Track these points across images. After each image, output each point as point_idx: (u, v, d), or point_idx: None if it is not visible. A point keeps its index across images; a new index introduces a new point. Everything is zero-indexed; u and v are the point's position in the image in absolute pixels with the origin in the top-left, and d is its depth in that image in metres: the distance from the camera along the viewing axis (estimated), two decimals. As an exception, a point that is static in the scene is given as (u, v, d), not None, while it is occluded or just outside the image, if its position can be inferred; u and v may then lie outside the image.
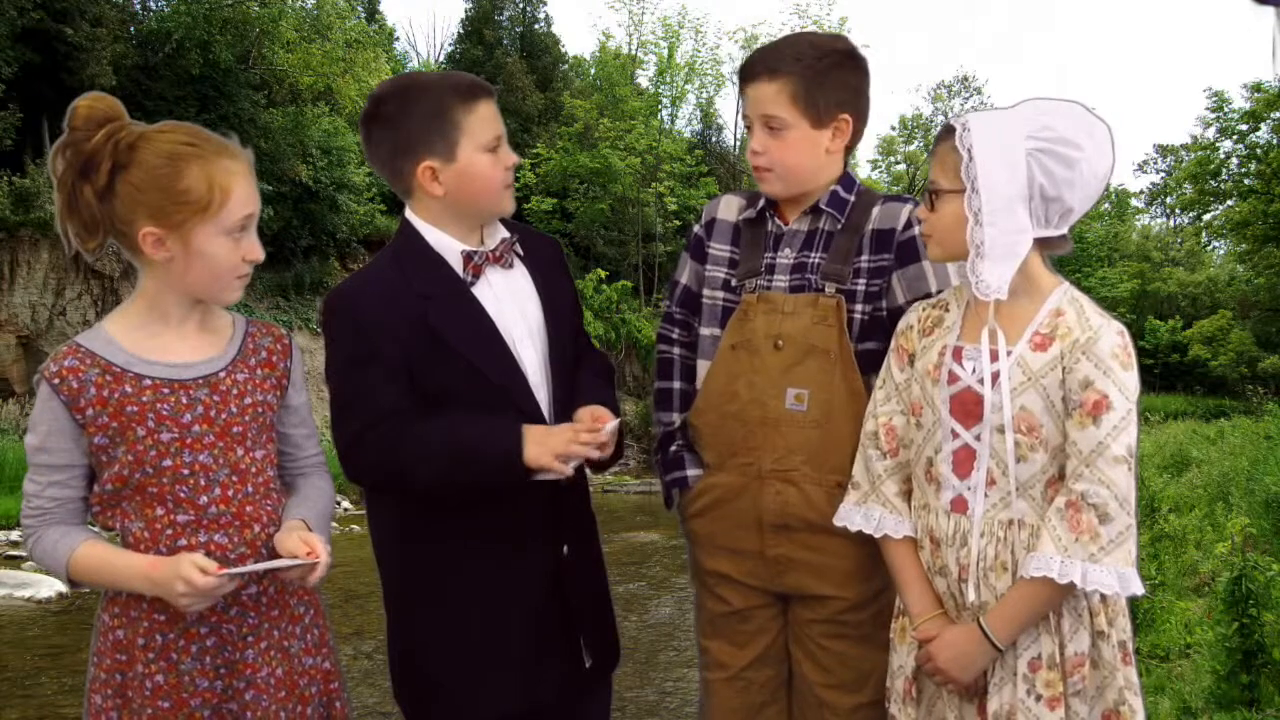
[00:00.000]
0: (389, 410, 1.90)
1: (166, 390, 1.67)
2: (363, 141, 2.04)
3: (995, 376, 1.77)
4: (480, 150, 1.95)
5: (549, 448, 1.87)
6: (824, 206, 2.09)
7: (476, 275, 1.99)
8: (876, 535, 1.91)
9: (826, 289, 2.05)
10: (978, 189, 1.73)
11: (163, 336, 1.71)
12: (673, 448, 2.20)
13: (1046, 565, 1.68)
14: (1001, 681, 1.77)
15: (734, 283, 2.13)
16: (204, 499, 1.67)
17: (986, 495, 1.79)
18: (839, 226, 2.09)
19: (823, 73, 2.02)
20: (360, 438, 1.90)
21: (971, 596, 1.79)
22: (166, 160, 1.63)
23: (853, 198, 2.11)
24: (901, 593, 1.90)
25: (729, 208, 2.22)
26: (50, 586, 8.15)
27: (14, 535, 10.27)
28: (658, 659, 6.59)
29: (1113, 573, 1.68)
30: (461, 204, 1.98)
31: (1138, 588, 1.71)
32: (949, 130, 1.80)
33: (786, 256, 2.10)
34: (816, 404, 2.03)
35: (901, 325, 1.96)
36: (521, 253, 2.07)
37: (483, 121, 1.95)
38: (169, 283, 1.70)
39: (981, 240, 1.74)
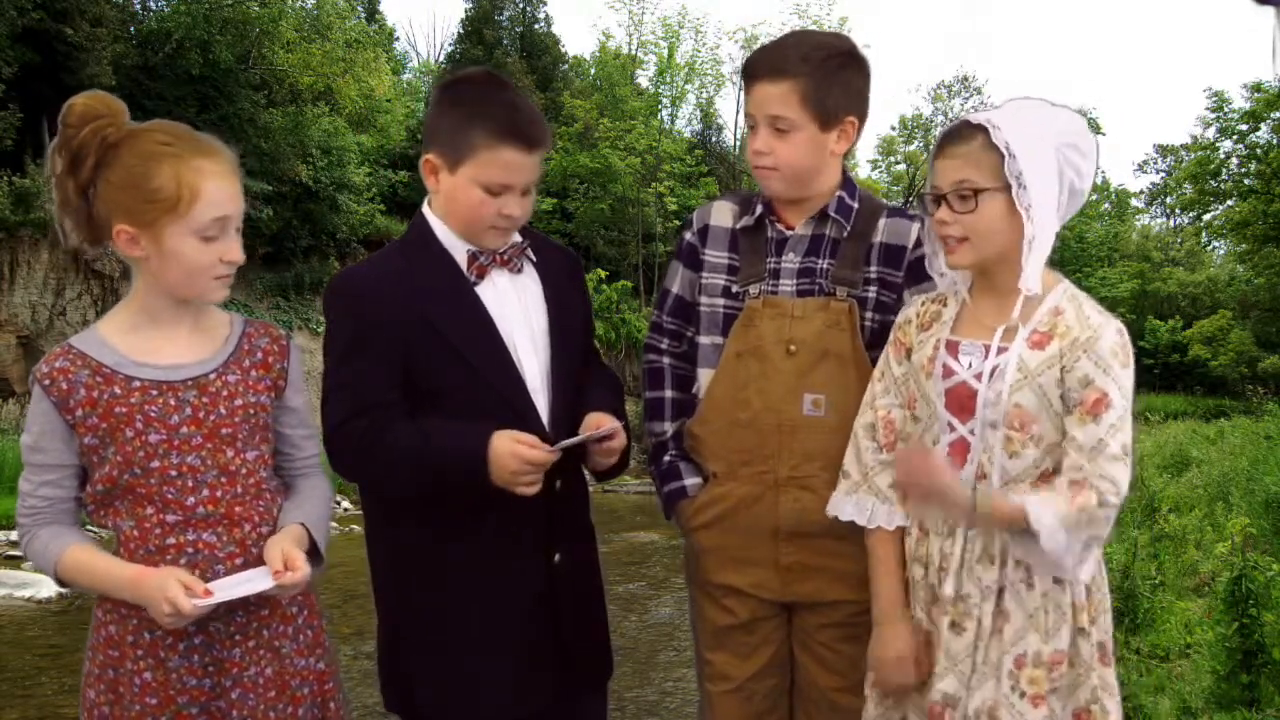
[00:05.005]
0: (374, 402, 1.90)
1: (155, 392, 1.67)
2: None
3: (991, 372, 1.79)
4: (476, 183, 1.91)
5: (504, 466, 1.84)
6: (832, 214, 2.07)
7: (481, 276, 1.98)
8: (869, 526, 1.92)
9: (838, 293, 2.04)
10: (1025, 184, 1.74)
11: (154, 338, 1.71)
12: (666, 458, 2.18)
13: (1041, 520, 1.69)
14: (982, 678, 1.78)
15: (735, 289, 2.10)
16: (191, 500, 1.67)
17: (975, 488, 1.80)
18: (845, 234, 2.07)
19: (831, 74, 2.00)
20: (342, 425, 1.90)
21: (949, 590, 1.81)
22: (141, 159, 1.64)
23: (857, 204, 2.10)
24: (875, 581, 1.93)
25: (722, 213, 2.18)
26: (50, 587, 8.12)
27: (14, 535, 10.24)
28: (658, 659, 6.58)
29: (1091, 563, 1.76)
30: (447, 213, 1.98)
31: (1086, 576, 1.78)
32: (974, 128, 1.78)
33: (792, 261, 2.08)
34: (834, 408, 2.02)
35: (900, 318, 1.96)
36: (534, 258, 2.06)
37: (497, 165, 1.90)
38: (154, 283, 1.70)
39: (1033, 236, 1.76)
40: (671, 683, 6.06)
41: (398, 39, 35.31)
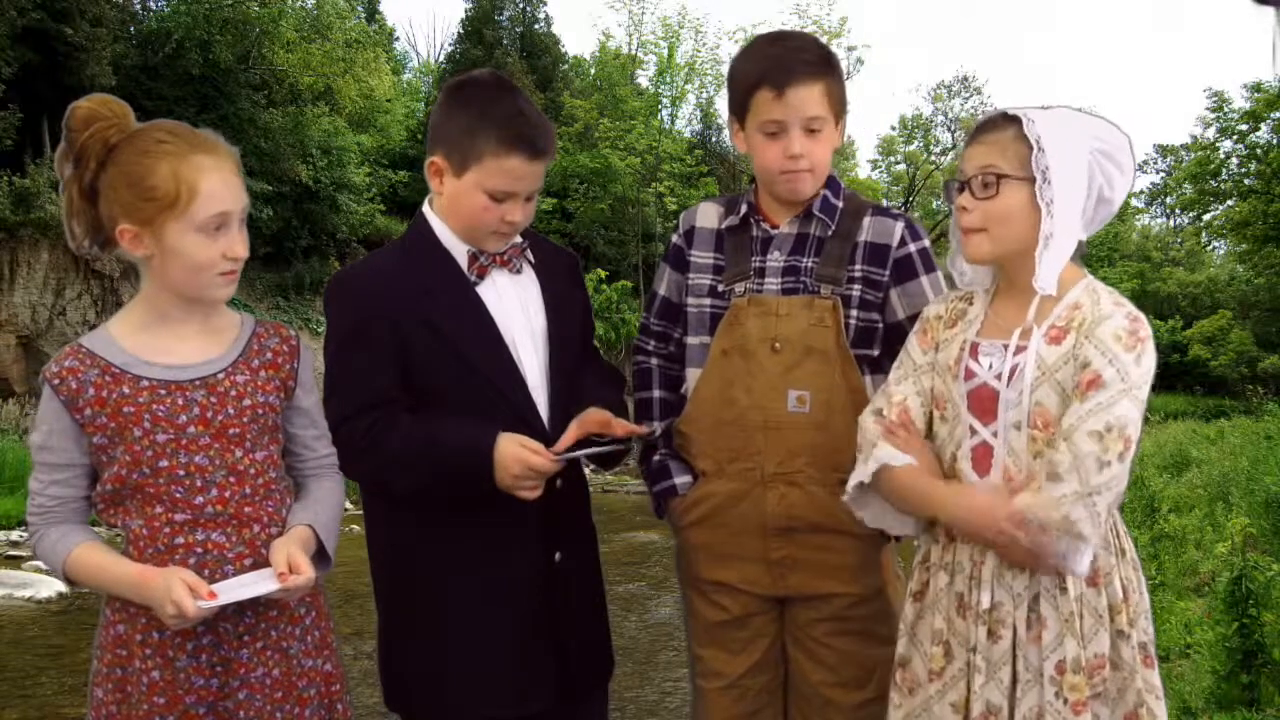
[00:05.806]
0: (374, 400, 1.90)
1: (163, 391, 1.67)
2: None
3: (1011, 372, 1.76)
4: (481, 189, 1.92)
5: (507, 469, 1.86)
6: (816, 213, 2.09)
7: (481, 275, 1.98)
8: (873, 467, 1.82)
9: (822, 291, 2.05)
10: (1049, 179, 1.72)
11: (163, 338, 1.71)
12: (656, 457, 2.19)
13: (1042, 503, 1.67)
14: (1027, 686, 1.75)
15: (721, 288, 2.12)
16: (200, 499, 1.67)
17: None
18: (829, 233, 2.09)
19: (837, 67, 2.07)
20: (344, 424, 1.90)
21: (985, 601, 1.77)
22: (139, 157, 1.64)
23: (841, 203, 2.12)
24: (927, 500, 1.81)
25: (708, 215, 2.20)
26: (50, 586, 8.14)
27: (14, 535, 10.26)
28: (658, 659, 6.59)
29: (1088, 555, 1.68)
30: (450, 215, 1.98)
31: (1083, 569, 1.69)
32: (1008, 119, 1.78)
33: (776, 259, 2.09)
34: (818, 405, 2.03)
35: (930, 313, 1.95)
36: (533, 259, 2.07)
37: (503, 172, 1.90)
38: (160, 282, 1.70)
39: (1050, 233, 1.73)
40: (671, 683, 6.06)
41: (398, 39, 35.35)
